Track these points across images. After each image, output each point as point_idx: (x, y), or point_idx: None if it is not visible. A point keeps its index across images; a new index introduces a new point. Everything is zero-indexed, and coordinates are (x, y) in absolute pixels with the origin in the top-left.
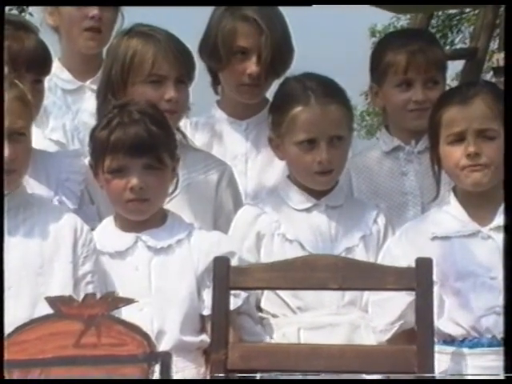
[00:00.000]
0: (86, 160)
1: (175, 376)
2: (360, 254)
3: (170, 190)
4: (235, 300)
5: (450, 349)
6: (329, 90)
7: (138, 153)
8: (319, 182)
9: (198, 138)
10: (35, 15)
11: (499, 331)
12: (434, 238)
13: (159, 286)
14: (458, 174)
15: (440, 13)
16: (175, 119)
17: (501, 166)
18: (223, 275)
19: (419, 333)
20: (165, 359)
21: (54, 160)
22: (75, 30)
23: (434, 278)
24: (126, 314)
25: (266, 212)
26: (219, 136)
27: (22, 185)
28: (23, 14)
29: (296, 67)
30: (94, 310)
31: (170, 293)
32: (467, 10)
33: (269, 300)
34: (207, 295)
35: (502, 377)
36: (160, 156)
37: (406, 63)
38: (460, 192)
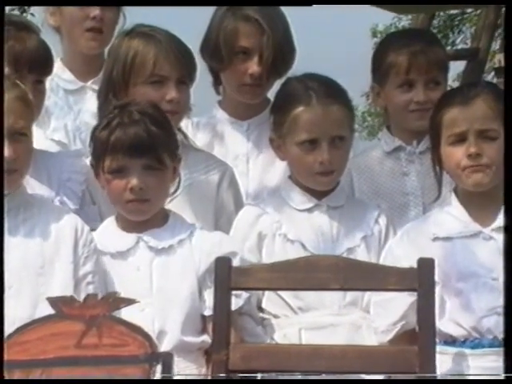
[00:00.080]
0: (88, 160)
1: (176, 376)
2: (361, 255)
3: (172, 190)
4: (236, 300)
5: (452, 349)
6: (330, 91)
7: (138, 153)
8: (320, 182)
9: (199, 138)
10: (37, 15)
11: (500, 332)
12: (436, 239)
13: (160, 287)
14: (460, 174)
15: (441, 13)
16: (176, 120)
17: (502, 166)
18: (225, 275)
19: (421, 333)
20: (166, 360)
21: (55, 160)
22: (77, 30)
23: (436, 278)
24: (127, 314)
25: (267, 212)
26: (220, 136)
27: (23, 185)
28: (25, 14)
29: (297, 67)
30: (96, 310)
31: (172, 293)
32: (469, 10)
33: (270, 300)
34: (208, 295)
35: (502, 377)
36: (160, 156)
37: (408, 64)
38: (461, 192)
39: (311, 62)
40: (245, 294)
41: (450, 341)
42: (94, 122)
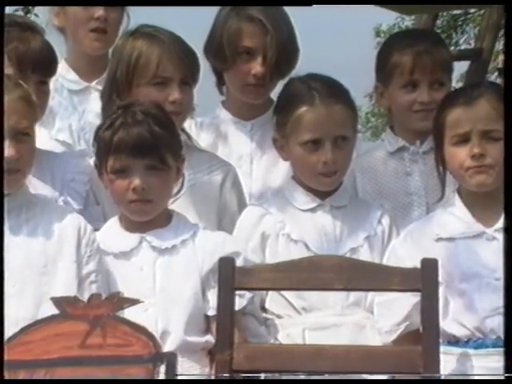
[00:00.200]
0: (92, 160)
1: (180, 376)
2: (365, 255)
3: (176, 191)
4: (240, 300)
5: (455, 349)
6: (333, 91)
7: (141, 153)
8: (323, 182)
9: (202, 139)
10: (41, 16)
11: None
12: (439, 240)
13: (164, 287)
14: (463, 174)
15: (445, 13)
16: (180, 120)
17: None
18: (228, 275)
19: (425, 333)
20: (170, 360)
21: (59, 160)
22: (81, 30)
23: (439, 279)
24: (130, 314)
25: (270, 212)
26: (224, 136)
27: (25, 185)
28: (29, 15)
29: (300, 68)
30: (100, 310)
31: (175, 293)
32: (472, 10)
33: (273, 300)
34: (212, 295)
35: (502, 377)
36: (163, 157)
37: (412, 64)
38: (465, 193)
39: (314, 62)
40: (248, 294)
41: (454, 341)
42: (98, 122)
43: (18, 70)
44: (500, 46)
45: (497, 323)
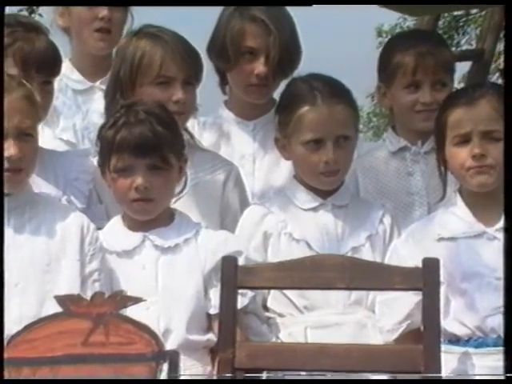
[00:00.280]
0: (95, 159)
1: (182, 376)
2: (366, 254)
3: (178, 190)
4: (242, 299)
5: (456, 348)
6: (335, 91)
7: (143, 153)
8: (325, 182)
9: (205, 138)
10: (45, 16)
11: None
12: (440, 239)
13: (166, 285)
14: (464, 175)
15: (446, 14)
16: (183, 120)
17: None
18: (231, 274)
19: (426, 332)
20: (173, 358)
21: (63, 160)
22: (85, 31)
23: (441, 278)
24: (132, 312)
25: (272, 212)
26: (227, 136)
27: (28, 184)
28: (33, 15)
29: (302, 67)
30: (103, 308)
31: (177, 292)
32: (473, 11)
33: (275, 299)
34: (214, 294)
35: (502, 377)
36: (165, 156)
37: (415, 65)
38: (466, 193)
39: (316, 62)
40: (250, 293)
41: (455, 340)
42: (102, 121)
43: (23, 70)
44: (501, 46)
45: (497, 322)
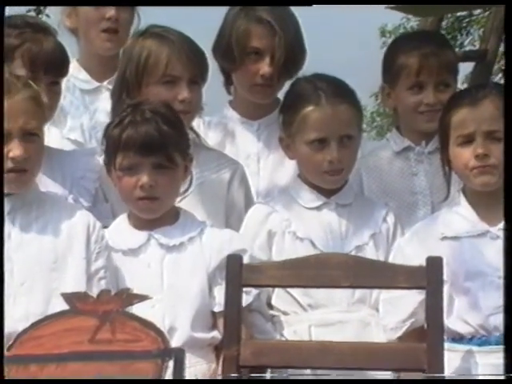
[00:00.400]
0: (101, 158)
1: (187, 371)
2: (370, 252)
3: (184, 189)
4: (246, 297)
5: (459, 347)
6: (339, 91)
7: (148, 151)
8: (329, 181)
9: (210, 138)
10: (52, 17)
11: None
12: (444, 239)
13: (171, 283)
14: (468, 174)
15: (449, 15)
16: (188, 119)
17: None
18: (236, 272)
19: (429, 331)
20: (178, 355)
21: (69, 158)
22: (92, 31)
23: (444, 277)
24: (137, 310)
25: (276, 210)
26: (231, 136)
27: (35, 183)
28: (40, 15)
29: (307, 68)
30: (109, 306)
31: (182, 290)
32: (476, 12)
33: (279, 297)
34: (218, 292)
35: (502, 377)
36: (171, 155)
37: (419, 66)
38: (469, 192)
39: (320, 62)
40: (254, 291)
41: (458, 338)
42: (109, 119)
43: (31, 71)
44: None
45: (500, 321)
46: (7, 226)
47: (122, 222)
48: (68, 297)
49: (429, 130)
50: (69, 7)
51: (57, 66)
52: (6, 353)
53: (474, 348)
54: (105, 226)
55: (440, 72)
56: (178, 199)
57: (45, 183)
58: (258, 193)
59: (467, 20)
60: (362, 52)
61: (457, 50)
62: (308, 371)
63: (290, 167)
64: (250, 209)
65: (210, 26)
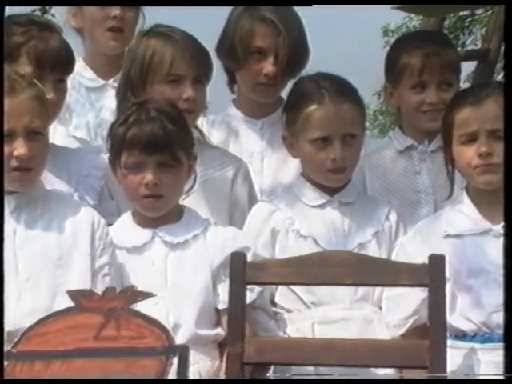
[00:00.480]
0: (107, 156)
1: (191, 368)
2: (373, 250)
3: (188, 187)
4: (250, 294)
5: (462, 344)
6: (342, 89)
7: (153, 150)
8: (332, 179)
9: (214, 136)
10: (58, 17)
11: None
12: (447, 236)
13: (175, 281)
14: (471, 173)
15: (451, 14)
16: (193, 118)
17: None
18: (240, 270)
19: (432, 328)
20: (183, 352)
21: (75, 156)
22: (98, 30)
23: (447, 275)
24: (142, 307)
25: (280, 208)
26: (235, 134)
27: (40, 181)
28: (45, 15)
29: (310, 67)
30: (114, 303)
31: (186, 287)
32: (479, 11)
33: (283, 295)
34: (222, 289)
35: (502, 377)
36: (175, 154)
37: (422, 65)
38: (472, 190)
39: (323, 62)
40: (258, 288)
41: (461, 335)
42: (114, 118)
43: (37, 68)
44: None
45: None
46: (12, 223)
47: (126, 219)
48: (73, 294)
49: (431, 128)
50: (74, 7)
51: (63, 63)
52: (12, 349)
53: (477, 345)
54: (109, 224)
55: (442, 71)
56: (182, 197)
57: (50, 181)
58: (262, 191)
59: (469, 19)
60: (365, 51)
61: (459, 49)
62: (311, 371)
63: (293, 166)
64: (254, 207)
65: (213, 26)
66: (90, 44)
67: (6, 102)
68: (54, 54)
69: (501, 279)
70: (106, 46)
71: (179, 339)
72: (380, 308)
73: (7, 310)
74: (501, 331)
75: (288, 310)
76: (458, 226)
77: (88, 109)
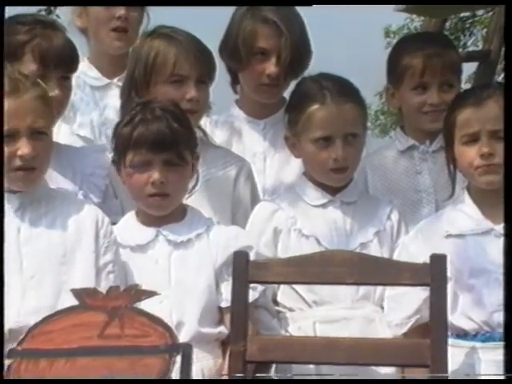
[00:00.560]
0: (110, 156)
1: (194, 366)
2: (374, 249)
3: (191, 186)
4: (252, 293)
5: (463, 343)
6: (344, 90)
7: (160, 148)
8: (334, 178)
9: (217, 136)
10: (62, 17)
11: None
12: (449, 236)
13: (179, 279)
14: (472, 173)
15: (452, 16)
16: (196, 118)
17: None
18: (243, 269)
19: (433, 327)
20: (186, 350)
21: (80, 155)
22: (103, 30)
23: (449, 274)
24: (145, 306)
25: (282, 208)
26: (238, 134)
27: (44, 180)
28: (50, 15)
29: (312, 67)
30: (118, 302)
31: (189, 285)
32: (479, 13)
33: (285, 294)
34: (225, 288)
35: (502, 377)
36: (181, 152)
37: (423, 67)
38: (474, 190)
39: (325, 62)
40: (260, 287)
41: (462, 334)
42: (118, 118)
43: (41, 65)
44: None
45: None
46: (17, 221)
47: (129, 219)
48: (78, 292)
49: (433, 129)
50: (79, 7)
51: (67, 61)
52: (17, 347)
53: (478, 344)
54: (113, 223)
55: (444, 72)
56: (185, 196)
57: (55, 179)
58: (265, 190)
59: (470, 21)
60: (367, 52)
61: (460, 50)
62: (312, 371)
63: (295, 165)
64: (256, 206)
65: (216, 27)
66: (95, 44)
67: (10, 102)
68: (58, 52)
69: (502, 279)
70: (111, 46)
71: (182, 337)
72: (381, 307)
73: (11, 307)
74: (502, 330)
75: (290, 309)
76: (459, 226)
77: (92, 107)
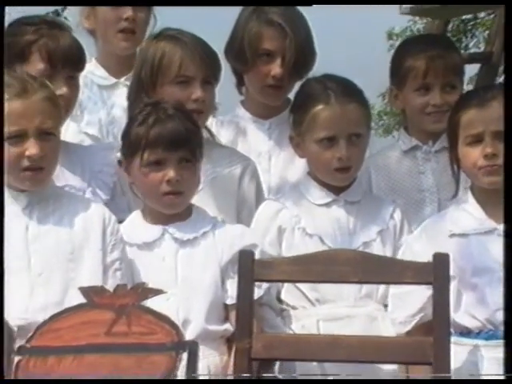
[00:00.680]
0: (118, 156)
1: (200, 363)
2: (377, 248)
3: None
4: (257, 291)
5: (466, 340)
6: (348, 90)
7: (176, 147)
8: (338, 178)
9: (223, 136)
10: (71, 19)
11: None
12: (452, 236)
13: (185, 277)
14: (476, 173)
15: (455, 18)
16: (202, 118)
17: None
18: (248, 268)
19: (436, 325)
20: (192, 348)
21: (88, 153)
22: (110, 31)
23: (452, 273)
24: (152, 303)
25: (286, 207)
26: (243, 134)
27: (51, 180)
28: (58, 18)
29: (316, 68)
30: (125, 300)
31: (196, 283)
32: (481, 14)
33: (289, 292)
34: (231, 285)
35: (502, 377)
36: (194, 150)
37: (426, 68)
38: (477, 190)
39: (330, 64)
40: (264, 285)
41: (466, 332)
42: (126, 116)
43: (49, 65)
44: None
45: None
46: (25, 219)
47: (136, 217)
48: (85, 290)
49: (436, 130)
50: (87, 9)
51: (74, 60)
52: (26, 344)
53: (481, 342)
54: (120, 221)
55: (446, 74)
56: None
57: (65, 176)
58: (269, 190)
59: (472, 23)
60: (370, 54)
61: (462, 52)
62: (316, 370)
63: (300, 165)
64: (261, 205)
65: (222, 29)
66: (103, 45)
67: (19, 103)
68: (65, 51)
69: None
70: (118, 47)
71: (189, 335)
72: (384, 305)
73: (20, 304)
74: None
75: (293, 307)
76: (463, 225)
77: (100, 106)
